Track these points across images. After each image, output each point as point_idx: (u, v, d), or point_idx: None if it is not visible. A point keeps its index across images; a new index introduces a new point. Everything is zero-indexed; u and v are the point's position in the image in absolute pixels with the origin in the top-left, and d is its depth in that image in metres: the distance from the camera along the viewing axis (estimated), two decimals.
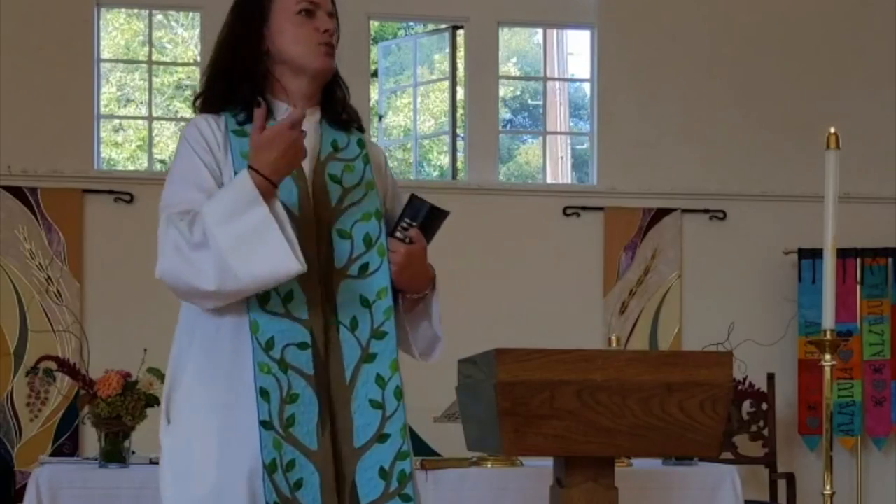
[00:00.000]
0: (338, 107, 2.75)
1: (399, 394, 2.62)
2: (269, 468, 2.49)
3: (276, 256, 2.42)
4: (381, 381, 2.60)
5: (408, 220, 2.67)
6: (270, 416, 2.50)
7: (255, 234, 2.42)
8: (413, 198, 2.69)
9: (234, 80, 2.66)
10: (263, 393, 2.50)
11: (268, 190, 2.46)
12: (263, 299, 2.52)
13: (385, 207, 2.75)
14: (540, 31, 9.40)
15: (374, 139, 7.34)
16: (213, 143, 2.61)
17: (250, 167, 2.46)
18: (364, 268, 2.62)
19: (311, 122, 2.67)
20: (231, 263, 2.42)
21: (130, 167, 10.64)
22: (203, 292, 2.48)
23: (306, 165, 2.62)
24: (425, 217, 2.67)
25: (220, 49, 2.71)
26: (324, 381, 2.56)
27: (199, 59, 7.27)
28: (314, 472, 2.52)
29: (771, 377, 6.60)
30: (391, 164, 9.66)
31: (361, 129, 2.80)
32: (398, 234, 2.67)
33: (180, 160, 2.63)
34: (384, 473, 2.58)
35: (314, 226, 2.60)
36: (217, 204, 2.46)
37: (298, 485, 2.51)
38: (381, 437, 2.59)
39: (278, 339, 2.53)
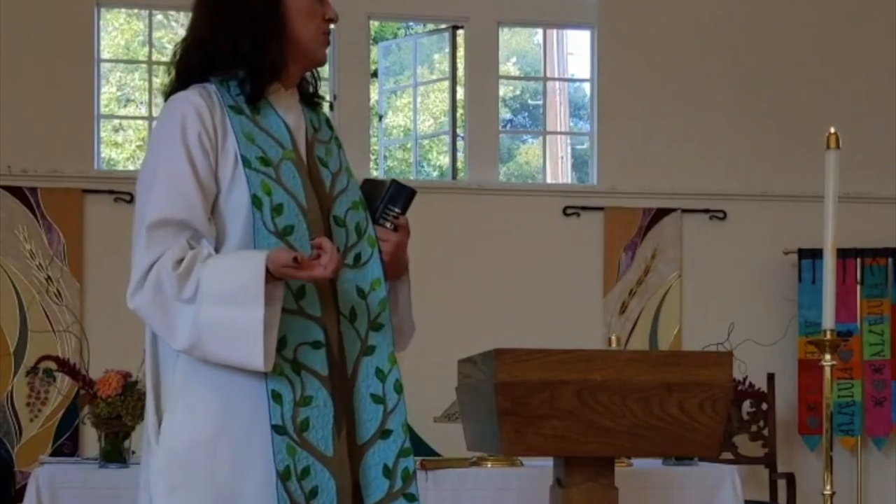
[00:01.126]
0: (309, 84, 2.62)
1: (399, 388, 2.50)
2: (283, 476, 2.35)
3: (249, 355, 2.31)
4: (380, 374, 2.49)
5: (391, 207, 2.57)
6: (283, 420, 2.37)
7: (239, 331, 2.30)
8: (394, 182, 2.58)
9: (259, 44, 2.46)
10: (276, 396, 2.37)
11: (274, 282, 2.35)
12: None
13: None
14: (540, 31, 9.39)
15: (373, 139, 7.36)
16: (210, 130, 2.42)
17: (268, 268, 2.31)
18: (357, 257, 2.51)
19: (295, 101, 2.56)
20: (205, 340, 2.33)
21: (130, 167, 10.62)
22: (167, 342, 2.41)
23: (302, 148, 2.52)
24: (406, 202, 2.58)
25: (225, 6, 2.49)
26: (338, 380, 2.44)
27: None
28: (330, 478, 2.40)
29: (771, 377, 6.59)
30: (391, 164, 9.66)
31: (320, 105, 2.66)
32: (385, 222, 2.58)
33: (168, 152, 2.42)
34: (388, 472, 2.47)
35: (318, 214, 2.48)
36: (219, 279, 2.33)
37: (314, 493, 2.39)
38: (384, 434, 2.47)
39: (290, 338, 2.40)
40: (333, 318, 2.46)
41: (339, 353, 2.45)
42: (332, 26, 2.58)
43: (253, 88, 2.47)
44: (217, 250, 2.42)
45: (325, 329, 2.43)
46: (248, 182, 2.41)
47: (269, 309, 2.32)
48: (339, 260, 2.35)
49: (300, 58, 2.53)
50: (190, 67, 2.52)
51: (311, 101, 2.62)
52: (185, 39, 2.55)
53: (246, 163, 2.42)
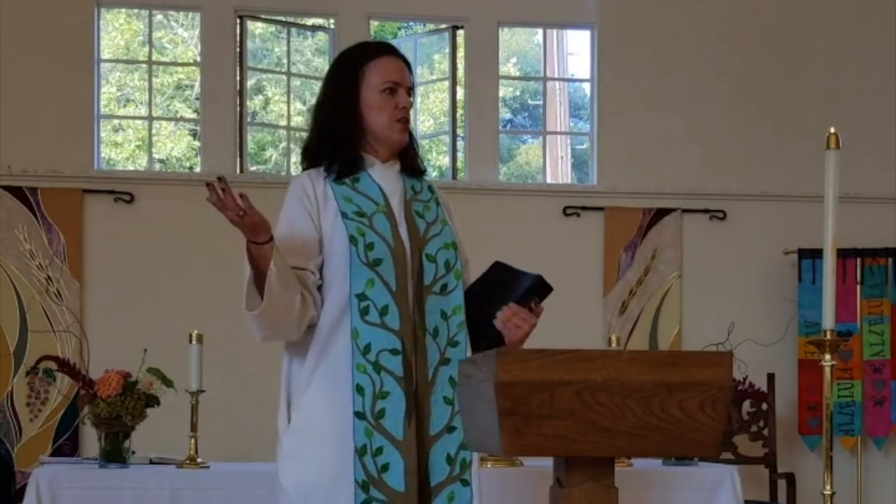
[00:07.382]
0: (411, 159, 3.32)
1: None
2: (360, 452, 3.01)
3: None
4: (452, 381, 3.09)
5: (534, 297, 3.24)
6: (364, 408, 3.02)
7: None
8: (539, 277, 3.24)
9: (337, 142, 3.22)
10: (359, 389, 3.03)
11: (256, 251, 2.97)
12: (364, 312, 3.06)
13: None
14: (540, 31, 9.39)
15: None
16: (311, 196, 3.18)
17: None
18: (444, 287, 3.18)
19: (393, 171, 3.25)
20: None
21: (130, 167, 10.64)
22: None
23: (396, 204, 3.20)
24: (544, 295, 3.25)
25: (322, 114, 3.26)
26: (411, 381, 3.07)
27: (198, 59, 7.27)
28: (399, 458, 3.02)
29: (771, 377, 6.60)
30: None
31: (423, 174, 3.35)
32: (528, 306, 3.20)
33: (285, 208, 3.23)
34: (450, 459, 3.07)
35: (407, 250, 3.15)
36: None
37: (385, 468, 3.02)
38: (450, 429, 3.08)
39: (374, 345, 3.05)
40: (414, 332, 3.09)
41: (419, 361, 3.09)
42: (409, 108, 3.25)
43: (338, 174, 3.22)
44: (321, 277, 3.13)
45: (402, 340, 3.07)
46: (345, 228, 3.13)
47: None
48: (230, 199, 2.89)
49: (381, 142, 3.23)
50: (306, 159, 3.31)
51: (412, 170, 3.31)
52: (310, 130, 3.34)
53: (343, 215, 3.15)
